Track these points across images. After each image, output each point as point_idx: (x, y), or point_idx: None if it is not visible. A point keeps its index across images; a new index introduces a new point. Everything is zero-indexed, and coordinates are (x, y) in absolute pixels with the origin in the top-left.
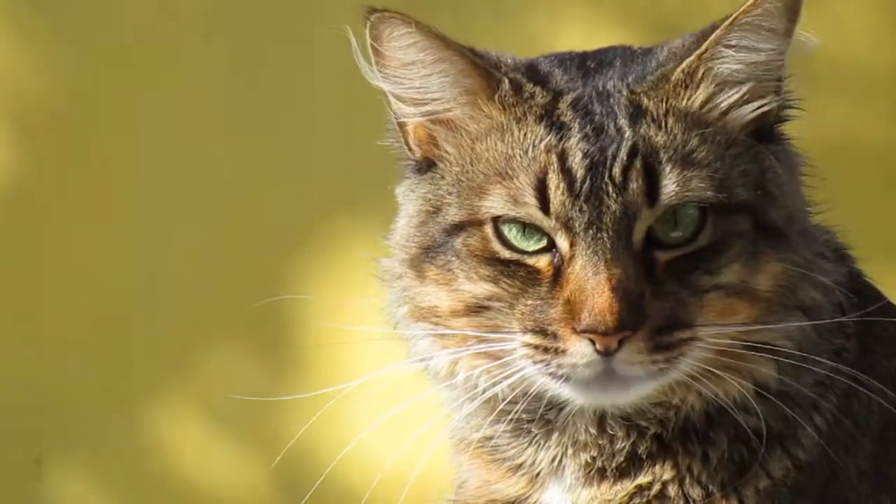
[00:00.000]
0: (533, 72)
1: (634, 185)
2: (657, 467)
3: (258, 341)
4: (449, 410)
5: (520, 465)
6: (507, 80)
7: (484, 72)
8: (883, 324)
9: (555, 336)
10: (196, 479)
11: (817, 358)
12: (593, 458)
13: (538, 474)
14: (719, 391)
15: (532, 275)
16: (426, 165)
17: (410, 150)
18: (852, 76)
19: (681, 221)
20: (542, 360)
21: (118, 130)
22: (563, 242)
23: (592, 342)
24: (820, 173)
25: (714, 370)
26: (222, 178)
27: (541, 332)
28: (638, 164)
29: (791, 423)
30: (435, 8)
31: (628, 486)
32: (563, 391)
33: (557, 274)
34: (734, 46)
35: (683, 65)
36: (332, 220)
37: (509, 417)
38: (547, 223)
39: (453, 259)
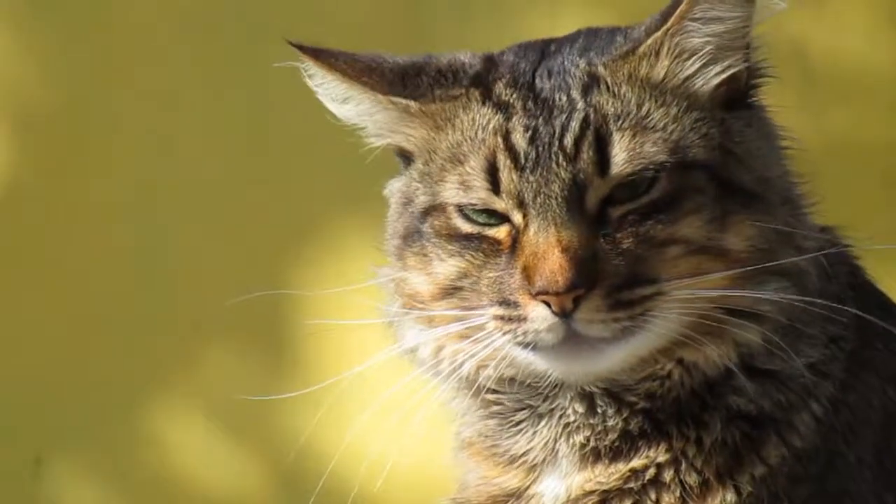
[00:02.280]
0: (487, 58)
1: (585, 155)
2: (651, 450)
3: (258, 341)
4: (451, 409)
5: (515, 457)
6: (412, 103)
7: (390, 102)
8: (884, 318)
9: (516, 304)
10: (196, 478)
11: (809, 332)
12: (587, 439)
13: (534, 464)
14: (699, 358)
15: (493, 246)
16: (405, 162)
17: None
18: (851, 75)
19: (635, 184)
20: (509, 330)
21: (118, 130)
22: (516, 217)
23: (549, 305)
24: (816, 171)
25: (694, 335)
26: (222, 176)
27: (504, 302)
28: (589, 134)
29: (785, 408)
30: (435, 8)
31: (622, 468)
32: (536, 361)
33: (515, 244)
34: (699, 19)
35: (649, 40)
36: (332, 220)
37: (498, 409)
38: (499, 204)
39: (426, 243)
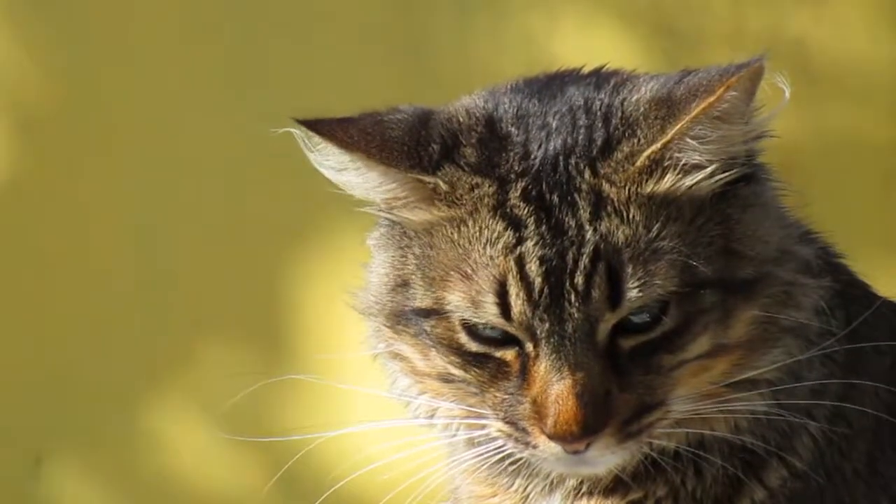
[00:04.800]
0: (487, 139)
1: (596, 293)
2: (649, 484)
3: (259, 340)
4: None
5: (512, 489)
6: (441, 184)
7: (414, 181)
8: (871, 322)
9: (525, 431)
10: (196, 478)
11: (809, 373)
12: (580, 484)
13: (529, 496)
14: (706, 429)
15: (500, 367)
16: (393, 222)
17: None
18: (851, 75)
19: (645, 310)
20: (515, 446)
21: (118, 129)
22: (527, 343)
23: (561, 445)
24: (816, 170)
25: (699, 413)
26: (222, 176)
27: (513, 424)
28: (601, 268)
29: (786, 434)
30: (434, 8)
31: (619, 501)
32: (539, 463)
33: (524, 369)
34: (699, 138)
35: (648, 151)
36: (333, 220)
37: (495, 467)
38: (509, 327)
39: (424, 336)
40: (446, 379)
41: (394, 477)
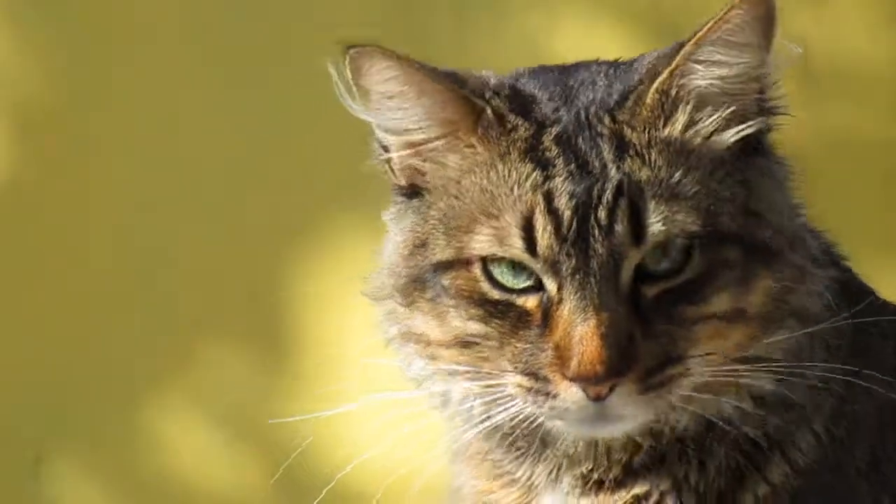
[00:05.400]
0: (516, 96)
1: (620, 227)
2: (654, 477)
3: (259, 339)
4: (447, 426)
5: (516, 479)
6: (489, 109)
7: (465, 101)
8: (874, 322)
9: (546, 380)
10: (196, 478)
11: (812, 363)
12: (589, 471)
13: (534, 484)
14: (713, 411)
15: (522, 316)
16: (412, 192)
17: (395, 176)
18: (850, 74)
19: (669, 252)
20: (533, 402)
21: (118, 128)
22: (550, 284)
23: (583, 388)
24: (817, 170)
25: (708, 391)
26: (223, 176)
27: (532, 374)
28: (623, 204)
29: (789, 428)
30: (434, 8)
31: (625, 495)
32: (556, 425)
33: (546, 316)
34: (704, 62)
35: (656, 83)
36: (333, 220)
37: (505, 442)
38: (534, 264)
39: (442, 295)
40: (463, 343)
41: (394, 465)
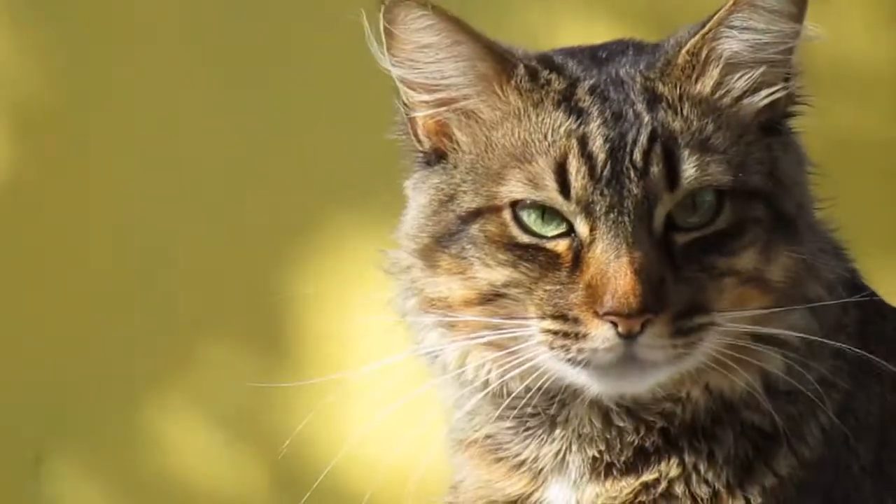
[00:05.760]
0: (546, 60)
1: (655, 168)
2: (663, 464)
3: (259, 338)
4: (451, 406)
5: (522, 463)
6: (522, 66)
7: (499, 56)
8: (881, 324)
9: (576, 320)
10: (196, 478)
11: (821, 356)
12: (601, 453)
13: (540, 471)
14: (726, 385)
15: (551, 259)
16: (436, 157)
17: (419, 141)
18: (851, 73)
19: (699, 206)
20: (561, 346)
21: (118, 128)
22: (582, 227)
23: (615, 325)
24: (821, 170)
25: (724, 363)
26: (223, 176)
27: (561, 317)
28: (658, 148)
29: (796, 420)
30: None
31: (633, 482)
32: (581, 378)
33: (577, 258)
34: (737, 27)
35: (688, 45)
36: (333, 219)
37: (513, 414)
38: (567, 207)
39: (469, 246)
40: (487, 298)
41: (391, 458)
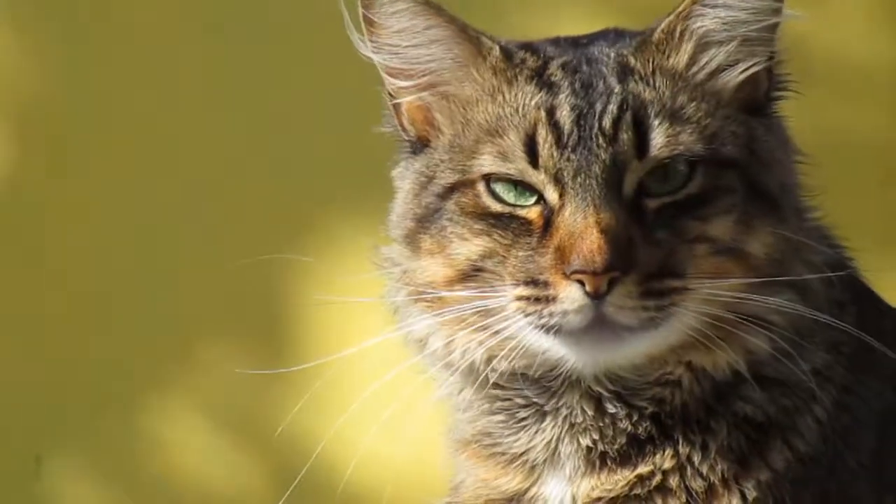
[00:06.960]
0: (524, 45)
1: (624, 136)
2: (657, 456)
3: (259, 339)
4: (451, 406)
5: (515, 457)
6: (498, 47)
7: (475, 39)
8: (880, 321)
9: (546, 284)
10: (196, 478)
11: (812, 342)
12: (595, 442)
13: (535, 465)
14: (708, 362)
15: (524, 226)
16: (420, 145)
17: (405, 129)
18: (849, 73)
19: (672, 176)
20: (533, 311)
21: (118, 128)
22: (552, 194)
23: (582, 284)
24: (815, 167)
25: (707, 335)
26: (222, 175)
27: (532, 282)
28: (628, 116)
29: (790, 413)
30: None
31: (628, 475)
32: (557, 349)
33: (548, 224)
34: (710, 4)
35: (663, 24)
36: (333, 219)
37: (504, 406)
38: (536, 177)
39: (446, 223)
40: (467, 274)
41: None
